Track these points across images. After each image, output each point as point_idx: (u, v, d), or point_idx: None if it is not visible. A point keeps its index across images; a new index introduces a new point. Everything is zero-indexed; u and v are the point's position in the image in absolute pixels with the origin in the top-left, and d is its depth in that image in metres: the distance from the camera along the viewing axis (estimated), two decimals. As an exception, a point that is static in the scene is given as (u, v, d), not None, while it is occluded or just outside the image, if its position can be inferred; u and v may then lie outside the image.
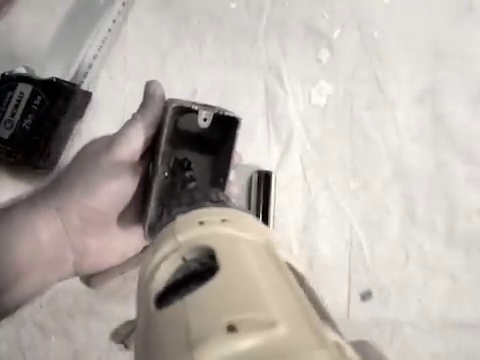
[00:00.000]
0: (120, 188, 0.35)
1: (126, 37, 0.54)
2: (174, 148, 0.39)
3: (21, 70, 0.50)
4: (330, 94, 0.54)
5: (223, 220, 0.23)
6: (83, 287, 0.49)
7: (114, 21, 0.54)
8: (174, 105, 0.35)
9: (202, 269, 0.20)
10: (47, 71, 0.51)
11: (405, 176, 0.52)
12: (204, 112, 0.35)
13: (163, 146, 0.36)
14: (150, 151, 0.37)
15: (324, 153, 0.52)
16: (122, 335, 0.48)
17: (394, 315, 0.50)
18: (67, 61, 0.52)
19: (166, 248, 0.22)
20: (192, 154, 0.40)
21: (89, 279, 0.49)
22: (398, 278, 0.50)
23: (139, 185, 0.37)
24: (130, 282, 0.49)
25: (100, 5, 0.54)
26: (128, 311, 0.48)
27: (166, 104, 0.36)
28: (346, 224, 0.52)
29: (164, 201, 0.38)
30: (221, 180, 0.38)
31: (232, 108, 0.36)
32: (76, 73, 0.52)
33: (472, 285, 0.51)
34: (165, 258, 0.21)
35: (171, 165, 0.39)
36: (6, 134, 0.49)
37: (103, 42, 0.53)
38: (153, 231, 0.37)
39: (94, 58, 0.52)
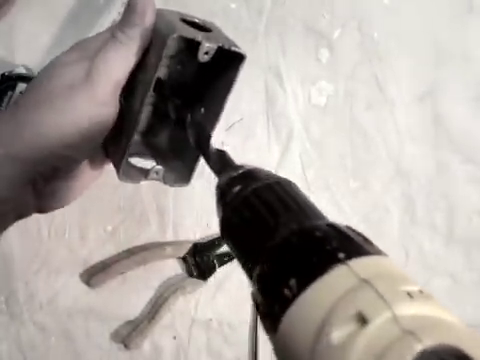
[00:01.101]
0: (99, 130, 0.30)
1: (126, 37, 0.54)
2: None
3: (21, 70, 0.50)
4: (330, 94, 0.54)
5: (420, 291, 0.17)
6: (83, 287, 0.49)
7: (114, 21, 0.54)
8: (176, 35, 0.28)
9: None
10: (47, 71, 0.51)
11: (405, 176, 0.52)
12: (207, 45, 0.29)
13: (155, 77, 0.30)
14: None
15: (324, 153, 0.52)
16: (122, 335, 0.48)
17: (394, 315, 0.50)
18: (67, 61, 0.52)
19: (385, 332, 0.15)
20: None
21: (89, 279, 0.49)
22: (398, 278, 0.50)
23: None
24: (130, 282, 0.49)
25: (100, 5, 0.54)
26: (128, 311, 0.49)
27: (157, 25, 0.30)
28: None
29: (148, 136, 0.35)
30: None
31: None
32: (76, 73, 0.52)
33: (472, 285, 0.51)
34: (389, 348, 0.15)
35: (155, 93, 0.33)
36: (6, 134, 0.49)
37: (103, 42, 0.53)
38: (128, 172, 0.34)
39: (94, 58, 0.52)
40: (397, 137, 0.53)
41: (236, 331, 0.49)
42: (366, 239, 0.21)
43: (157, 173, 0.35)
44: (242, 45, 0.54)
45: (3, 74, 0.50)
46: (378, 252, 0.20)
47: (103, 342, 0.48)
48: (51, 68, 0.31)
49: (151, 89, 0.30)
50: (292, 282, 0.18)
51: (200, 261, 0.49)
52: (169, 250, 0.49)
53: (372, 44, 0.55)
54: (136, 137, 0.34)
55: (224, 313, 0.49)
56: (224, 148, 0.33)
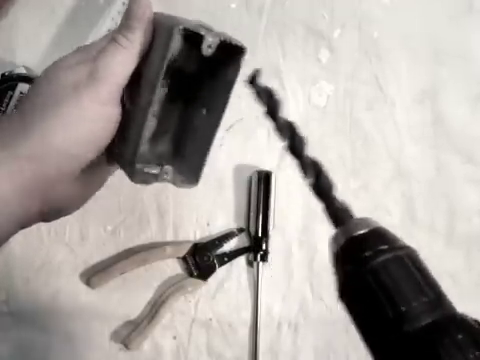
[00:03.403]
0: (105, 130, 0.31)
1: (126, 37, 0.54)
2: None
3: (21, 70, 0.50)
4: (330, 94, 0.54)
5: None
6: (83, 287, 0.49)
7: (114, 21, 0.54)
8: (182, 26, 0.29)
9: None
10: (47, 71, 0.51)
11: (405, 176, 0.52)
12: (210, 39, 0.31)
13: (162, 74, 0.30)
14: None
15: (324, 153, 0.52)
16: (122, 335, 0.48)
17: (394, 315, 0.50)
18: (67, 61, 0.52)
19: None
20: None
21: (89, 279, 0.49)
22: (398, 278, 0.50)
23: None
24: (130, 282, 0.49)
25: (100, 5, 0.54)
26: (128, 311, 0.48)
27: (159, 25, 0.31)
28: (346, 224, 0.52)
29: (156, 136, 0.35)
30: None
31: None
32: (76, 73, 0.52)
33: (472, 285, 0.51)
34: None
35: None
36: (6, 134, 0.49)
37: (103, 42, 0.53)
38: (141, 173, 0.34)
39: (94, 58, 0.52)
40: (397, 137, 0.53)
41: (236, 331, 0.49)
42: None
43: (167, 174, 0.35)
44: (242, 45, 0.54)
45: (3, 74, 0.50)
46: None
47: (103, 342, 0.48)
48: (54, 70, 0.32)
49: (158, 87, 0.31)
50: None
51: (200, 261, 0.49)
52: (169, 250, 0.49)
53: (372, 44, 0.55)
54: (147, 134, 0.33)
55: (224, 313, 0.49)
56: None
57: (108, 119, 0.30)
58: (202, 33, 0.30)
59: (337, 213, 0.27)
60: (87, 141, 0.30)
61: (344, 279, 0.24)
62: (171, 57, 0.31)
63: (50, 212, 0.32)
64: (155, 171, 0.35)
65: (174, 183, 0.35)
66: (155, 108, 0.33)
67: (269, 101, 0.30)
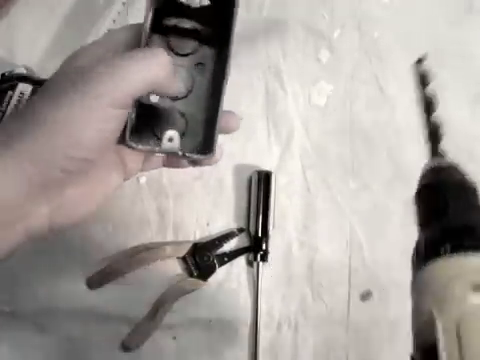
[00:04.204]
0: (113, 131, 0.29)
1: (126, 37, 0.54)
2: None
3: (21, 70, 0.50)
4: (330, 94, 0.54)
5: None
6: (83, 287, 0.49)
7: (114, 21, 0.54)
8: None
9: None
10: (47, 71, 0.51)
11: (405, 176, 0.52)
12: None
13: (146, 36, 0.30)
14: None
15: (324, 153, 0.52)
16: (122, 335, 0.48)
17: (394, 315, 0.50)
18: (67, 61, 0.52)
19: None
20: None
21: (89, 279, 0.49)
22: (398, 278, 0.50)
23: None
24: (130, 282, 0.49)
25: (100, 5, 0.54)
26: (128, 311, 0.48)
27: None
28: (346, 224, 0.52)
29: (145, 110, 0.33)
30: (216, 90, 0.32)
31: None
32: (76, 73, 0.52)
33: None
34: None
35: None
36: (6, 134, 0.49)
37: (103, 42, 0.53)
38: (139, 134, 0.32)
39: (94, 58, 0.52)
40: (397, 137, 0.53)
41: (236, 331, 0.49)
42: None
43: (171, 140, 0.31)
44: (242, 45, 0.54)
45: (3, 74, 0.50)
46: None
47: (103, 342, 0.48)
48: (69, 63, 0.31)
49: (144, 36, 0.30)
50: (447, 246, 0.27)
51: (200, 261, 0.49)
52: (169, 250, 0.49)
53: (372, 44, 0.55)
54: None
55: (224, 313, 0.49)
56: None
57: (119, 120, 0.29)
58: None
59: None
60: (94, 143, 0.28)
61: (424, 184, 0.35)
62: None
63: (60, 219, 0.30)
64: (150, 145, 0.32)
65: (183, 152, 0.31)
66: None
67: (427, 87, 0.36)
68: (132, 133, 0.31)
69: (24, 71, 0.50)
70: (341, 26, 0.55)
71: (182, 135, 0.33)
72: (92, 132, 0.28)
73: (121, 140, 0.31)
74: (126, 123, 0.30)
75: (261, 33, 0.55)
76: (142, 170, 0.36)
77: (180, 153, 0.31)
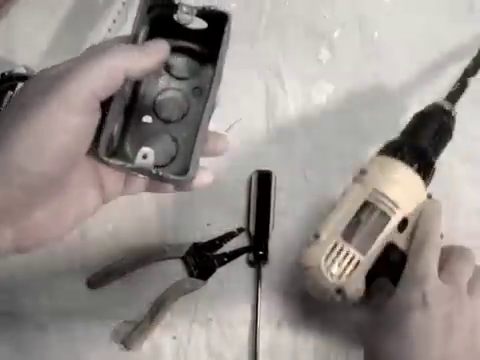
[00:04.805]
0: (79, 137, 0.27)
1: (126, 37, 0.54)
2: None
3: (21, 70, 0.50)
4: (330, 94, 0.54)
5: None
6: (83, 287, 0.49)
7: (114, 21, 0.54)
8: None
9: None
10: (47, 71, 0.51)
11: (405, 176, 0.52)
12: (184, 8, 0.30)
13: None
14: None
15: (324, 153, 0.52)
16: (122, 335, 0.48)
17: (394, 315, 0.50)
18: (67, 61, 0.52)
19: None
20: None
21: (89, 279, 0.49)
22: (398, 278, 0.50)
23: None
24: (130, 282, 0.49)
25: (100, 5, 0.54)
26: (128, 311, 0.49)
27: None
28: (346, 224, 0.51)
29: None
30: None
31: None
32: (76, 73, 0.52)
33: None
34: None
35: None
36: (6, 134, 0.49)
37: (103, 42, 0.53)
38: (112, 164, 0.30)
39: (94, 58, 0.52)
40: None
41: (236, 331, 0.49)
42: None
43: (145, 157, 0.29)
44: (242, 45, 0.54)
45: (3, 74, 0.50)
46: None
47: (103, 342, 0.48)
48: (38, 76, 0.29)
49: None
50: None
51: (200, 261, 0.49)
52: (169, 250, 0.49)
53: (372, 44, 0.55)
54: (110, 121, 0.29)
55: (224, 313, 0.49)
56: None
57: (85, 130, 0.27)
58: (176, 2, 0.31)
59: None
60: (56, 155, 0.26)
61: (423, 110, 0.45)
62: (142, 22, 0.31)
63: (27, 242, 0.28)
64: (121, 162, 0.30)
65: (157, 172, 0.30)
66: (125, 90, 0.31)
67: None
68: (109, 148, 0.30)
69: (24, 71, 0.50)
70: (341, 26, 0.55)
71: (172, 159, 0.33)
72: (54, 143, 0.25)
73: (91, 152, 0.29)
74: (98, 134, 0.29)
75: (261, 33, 0.55)
76: (122, 193, 0.34)
77: (154, 171, 0.30)
